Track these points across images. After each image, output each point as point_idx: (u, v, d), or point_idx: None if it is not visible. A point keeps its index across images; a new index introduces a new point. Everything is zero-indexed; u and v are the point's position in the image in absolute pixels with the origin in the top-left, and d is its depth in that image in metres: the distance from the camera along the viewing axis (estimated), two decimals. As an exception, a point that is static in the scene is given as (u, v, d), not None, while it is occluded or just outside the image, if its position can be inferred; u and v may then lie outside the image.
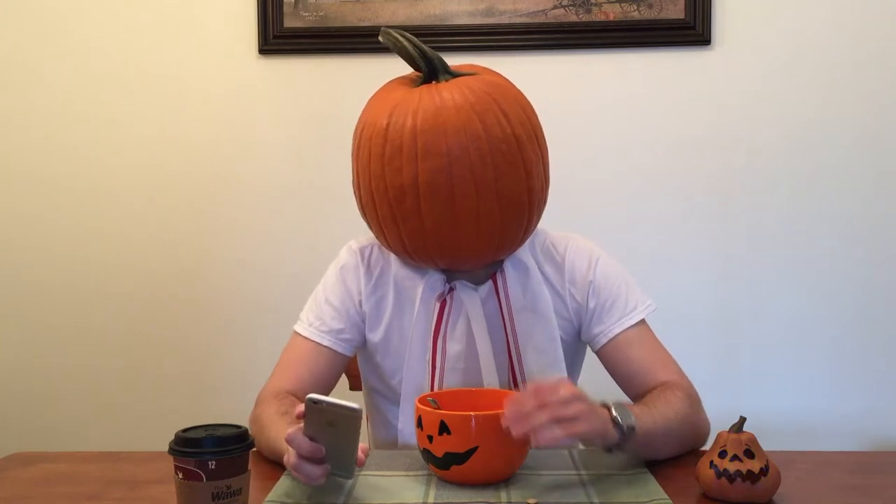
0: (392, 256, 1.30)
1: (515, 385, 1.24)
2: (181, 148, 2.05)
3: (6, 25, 2.05)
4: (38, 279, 2.08)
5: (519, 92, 1.23)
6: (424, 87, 1.20)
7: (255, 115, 2.04)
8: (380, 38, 1.23)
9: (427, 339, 1.24)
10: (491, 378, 1.24)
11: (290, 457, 0.97)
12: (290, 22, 2.00)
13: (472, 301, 1.24)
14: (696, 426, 1.19)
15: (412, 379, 1.25)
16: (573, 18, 1.98)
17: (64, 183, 2.06)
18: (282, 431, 1.02)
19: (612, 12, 1.97)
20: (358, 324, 1.29)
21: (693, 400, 1.21)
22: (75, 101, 2.05)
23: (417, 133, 1.14)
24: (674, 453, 1.16)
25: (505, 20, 1.98)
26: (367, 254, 1.31)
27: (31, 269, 2.08)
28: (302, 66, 2.02)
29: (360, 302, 1.29)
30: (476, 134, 1.14)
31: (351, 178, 1.24)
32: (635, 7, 1.97)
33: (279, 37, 2.00)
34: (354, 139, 1.23)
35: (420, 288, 1.25)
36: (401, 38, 1.22)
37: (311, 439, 0.95)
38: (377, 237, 1.26)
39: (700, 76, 1.99)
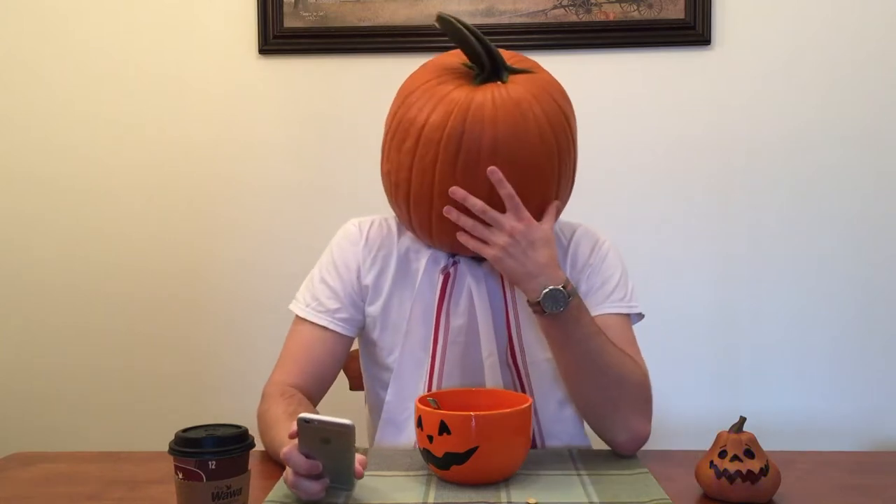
0: (395, 230, 1.31)
1: (514, 359, 1.23)
2: (181, 148, 2.05)
3: (6, 25, 2.05)
4: (38, 279, 2.08)
5: (564, 89, 1.25)
6: (494, 89, 1.17)
7: (255, 115, 2.04)
8: (436, 24, 1.18)
9: (429, 310, 1.24)
10: (490, 352, 1.22)
11: (288, 475, 0.97)
12: (290, 22, 2.00)
13: (475, 275, 1.24)
14: (627, 396, 1.17)
15: (412, 350, 1.24)
16: (573, 18, 1.98)
17: (64, 183, 2.06)
18: (286, 435, 1.02)
19: (612, 12, 1.97)
20: (356, 302, 1.28)
21: (641, 388, 1.18)
22: (75, 101, 2.05)
23: (499, 145, 1.13)
24: (584, 391, 1.18)
25: (505, 20, 1.98)
26: (365, 229, 1.31)
27: (31, 269, 2.08)
28: (302, 66, 2.02)
29: (359, 277, 1.28)
30: (550, 146, 1.16)
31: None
32: (635, 7, 1.97)
33: (279, 37, 2.00)
34: (407, 135, 1.17)
35: (424, 260, 1.26)
36: (463, 29, 1.17)
37: (307, 456, 0.94)
38: (416, 231, 1.24)
39: (700, 76, 1.99)
